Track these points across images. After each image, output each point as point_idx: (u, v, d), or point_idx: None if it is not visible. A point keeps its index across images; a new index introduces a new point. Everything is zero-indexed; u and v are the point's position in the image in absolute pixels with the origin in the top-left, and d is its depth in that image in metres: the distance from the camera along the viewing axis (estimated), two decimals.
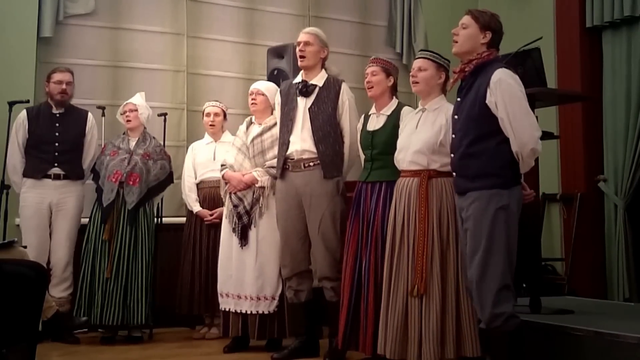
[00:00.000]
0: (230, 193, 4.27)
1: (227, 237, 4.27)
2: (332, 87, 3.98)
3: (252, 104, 4.38)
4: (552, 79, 5.21)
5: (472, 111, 3.09)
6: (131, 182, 4.57)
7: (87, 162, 4.74)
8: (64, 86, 4.65)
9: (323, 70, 4.04)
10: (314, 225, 3.89)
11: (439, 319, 3.20)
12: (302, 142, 3.93)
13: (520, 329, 3.04)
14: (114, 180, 4.56)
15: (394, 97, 3.82)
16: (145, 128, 4.84)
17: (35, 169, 4.57)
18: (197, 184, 4.87)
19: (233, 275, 4.19)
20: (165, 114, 5.01)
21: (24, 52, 5.02)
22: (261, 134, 4.28)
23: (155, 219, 4.76)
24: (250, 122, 4.41)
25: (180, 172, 4.99)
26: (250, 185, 4.21)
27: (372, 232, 3.59)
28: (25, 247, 3.66)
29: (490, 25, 3.15)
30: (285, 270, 4.02)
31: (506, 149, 3.04)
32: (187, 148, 5.12)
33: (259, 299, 4.13)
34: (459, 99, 3.23)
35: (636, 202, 5.23)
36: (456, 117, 3.20)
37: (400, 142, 3.51)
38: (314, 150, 3.90)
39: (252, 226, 4.18)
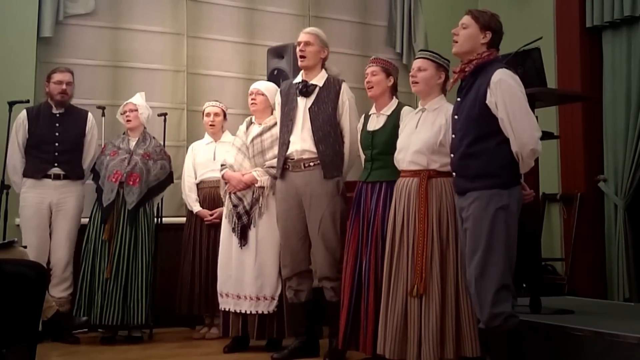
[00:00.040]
0: (229, 193, 4.27)
1: (226, 237, 4.27)
2: (332, 87, 3.98)
3: (251, 104, 4.39)
4: (552, 79, 5.21)
5: (472, 111, 3.09)
6: (131, 182, 4.57)
7: (87, 162, 4.74)
8: (64, 86, 4.65)
9: (323, 70, 4.04)
10: (314, 225, 3.89)
11: (439, 319, 3.20)
12: (302, 142, 3.93)
13: (519, 329, 3.04)
14: (114, 180, 4.56)
15: (394, 97, 3.82)
16: (145, 128, 4.84)
17: (35, 169, 4.57)
18: (197, 184, 4.87)
19: (232, 275, 4.19)
20: (165, 114, 5.01)
21: (24, 52, 5.02)
22: (261, 134, 4.28)
23: (155, 219, 4.76)
24: (250, 122, 4.41)
25: (180, 172, 4.99)
26: (249, 185, 4.20)
27: (373, 232, 3.59)
28: (25, 247, 3.65)
29: (491, 25, 3.15)
30: (286, 270, 4.02)
31: (506, 149, 3.04)
32: (187, 148, 5.12)
33: (258, 299, 4.13)
34: (458, 99, 3.23)
35: (636, 202, 5.23)
36: (456, 117, 3.20)
37: (400, 142, 3.51)
38: (314, 150, 3.90)
39: (252, 226, 4.17)
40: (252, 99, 4.38)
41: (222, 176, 4.34)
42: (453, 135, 3.22)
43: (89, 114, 4.80)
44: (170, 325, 4.94)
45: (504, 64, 3.15)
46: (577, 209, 5.36)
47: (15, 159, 4.59)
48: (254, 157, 4.27)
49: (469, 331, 3.20)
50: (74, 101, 4.81)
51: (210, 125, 4.91)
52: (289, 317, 4.11)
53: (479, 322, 3.10)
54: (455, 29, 3.21)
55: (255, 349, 4.22)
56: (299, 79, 4.05)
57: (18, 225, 4.64)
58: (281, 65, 4.99)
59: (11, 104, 4.57)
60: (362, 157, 3.84)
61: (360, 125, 3.87)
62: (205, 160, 4.84)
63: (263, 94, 4.36)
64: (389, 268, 3.38)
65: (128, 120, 4.74)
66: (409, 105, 3.80)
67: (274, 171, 4.11)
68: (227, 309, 4.22)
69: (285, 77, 4.75)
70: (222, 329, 4.31)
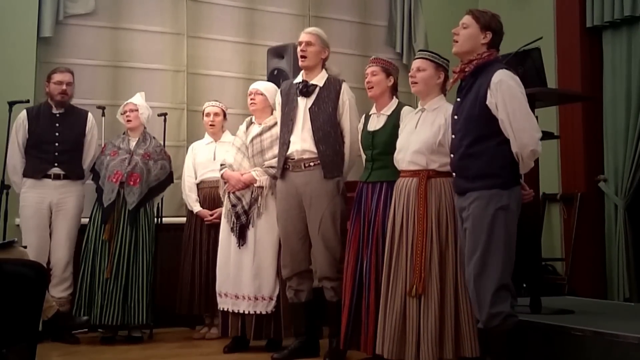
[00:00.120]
0: (228, 192, 4.27)
1: (225, 236, 4.27)
2: (332, 87, 3.98)
3: (251, 104, 4.39)
4: (552, 79, 5.21)
5: (472, 112, 3.09)
6: (132, 183, 4.57)
7: (87, 162, 4.74)
8: (64, 87, 4.65)
9: (323, 70, 4.04)
10: (314, 225, 3.89)
11: (437, 319, 3.20)
12: (302, 142, 3.93)
13: (518, 328, 3.03)
14: (114, 180, 4.56)
15: (394, 97, 3.82)
16: (145, 128, 4.84)
17: (35, 169, 4.57)
18: (197, 184, 4.87)
19: (231, 275, 4.19)
20: (165, 114, 5.01)
21: (24, 52, 5.02)
22: (260, 133, 4.28)
23: (156, 219, 4.76)
24: (251, 122, 4.41)
25: (180, 172, 4.99)
26: (248, 185, 4.20)
27: (373, 232, 3.59)
28: (25, 247, 3.66)
29: (491, 25, 3.14)
30: (286, 270, 4.01)
31: (506, 150, 3.04)
32: (187, 148, 5.13)
33: (256, 299, 4.12)
34: (458, 99, 3.23)
35: (636, 202, 5.23)
36: (456, 117, 3.20)
37: (399, 142, 3.51)
38: (315, 150, 3.90)
39: (250, 226, 4.17)
40: (251, 99, 4.38)
41: (221, 175, 4.34)
42: (453, 136, 3.21)
43: (89, 114, 4.80)
44: (170, 325, 4.94)
45: (504, 65, 3.15)
46: (577, 209, 5.36)
47: (15, 159, 4.59)
48: (254, 157, 4.27)
49: (468, 331, 3.20)
50: (74, 101, 4.81)
51: (210, 125, 4.91)
52: (288, 317, 4.11)
53: (478, 322, 3.10)
54: (455, 29, 3.21)
55: (255, 349, 4.22)
56: (299, 79, 4.05)
57: (18, 225, 4.64)
58: (281, 65, 4.99)
59: (11, 104, 4.57)
60: (363, 157, 3.84)
61: (360, 126, 3.87)
62: (205, 160, 4.84)
63: (262, 94, 4.36)
64: (388, 268, 3.38)
65: (128, 120, 4.74)
66: (409, 105, 3.80)
67: (273, 171, 4.11)
68: (225, 309, 4.22)
69: (285, 77, 4.75)
70: (221, 329, 4.31)
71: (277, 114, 4.19)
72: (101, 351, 4.32)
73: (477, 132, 3.08)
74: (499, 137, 3.04)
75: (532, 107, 3.37)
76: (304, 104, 3.98)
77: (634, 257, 5.16)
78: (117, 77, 5.39)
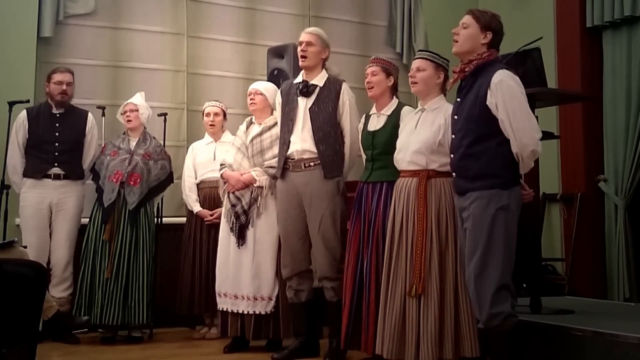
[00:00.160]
0: (228, 192, 4.27)
1: (225, 236, 4.27)
2: (332, 87, 3.98)
3: (250, 104, 4.39)
4: (552, 79, 5.21)
5: (472, 112, 3.09)
6: (132, 183, 4.57)
7: (87, 162, 4.74)
8: (64, 87, 4.65)
9: (324, 70, 4.04)
10: (314, 225, 3.89)
11: (437, 319, 3.20)
12: (302, 142, 3.93)
13: (519, 328, 3.04)
14: (114, 180, 4.56)
15: (395, 97, 3.82)
16: (145, 128, 4.84)
17: (35, 169, 4.57)
18: (198, 184, 4.87)
19: (230, 275, 4.19)
20: (165, 114, 5.01)
21: (24, 52, 5.02)
22: (260, 133, 4.28)
23: (156, 219, 4.76)
24: (251, 122, 4.41)
25: (181, 172, 4.99)
26: (248, 185, 4.20)
27: (374, 232, 3.59)
28: (25, 247, 3.66)
29: (491, 25, 3.14)
30: (286, 270, 4.01)
31: (506, 150, 3.04)
32: (187, 148, 5.13)
33: (255, 299, 4.12)
34: (458, 99, 3.23)
35: (636, 202, 5.23)
36: (456, 117, 3.20)
37: (399, 142, 3.51)
38: (315, 150, 3.90)
39: (250, 226, 4.17)
40: (251, 99, 4.38)
41: (221, 175, 4.34)
42: (453, 136, 3.21)
43: (89, 114, 4.80)
44: (170, 325, 4.94)
45: (504, 65, 3.15)
46: (577, 209, 5.36)
47: (15, 159, 4.59)
48: (253, 157, 4.27)
49: (468, 331, 3.20)
50: (74, 101, 4.81)
51: (210, 125, 4.91)
52: (288, 317, 4.10)
53: (478, 322, 3.10)
54: (455, 29, 3.21)
55: (255, 349, 4.22)
56: (299, 79, 4.05)
57: (18, 225, 4.64)
58: (281, 65, 5.00)
59: (11, 104, 4.57)
60: (363, 157, 3.84)
61: (360, 126, 3.87)
62: (205, 160, 4.84)
63: (262, 94, 4.36)
64: (388, 268, 3.38)
65: (128, 120, 4.74)
66: (409, 105, 3.80)
67: (272, 171, 4.12)
68: (225, 309, 4.22)
69: (286, 77, 4.75)
70: (220, 329, 4.31)
71: (277, 114, 4.19)
72: (101, 351, 4.32)
73: (477, 132, 3.08)
74: (499, 137, 3.04)
75: (532, 107, 3.37)
76: (304, 104, 3.98)
77: (634, 257, 5.16)
78: (117, 77, 5.39)
